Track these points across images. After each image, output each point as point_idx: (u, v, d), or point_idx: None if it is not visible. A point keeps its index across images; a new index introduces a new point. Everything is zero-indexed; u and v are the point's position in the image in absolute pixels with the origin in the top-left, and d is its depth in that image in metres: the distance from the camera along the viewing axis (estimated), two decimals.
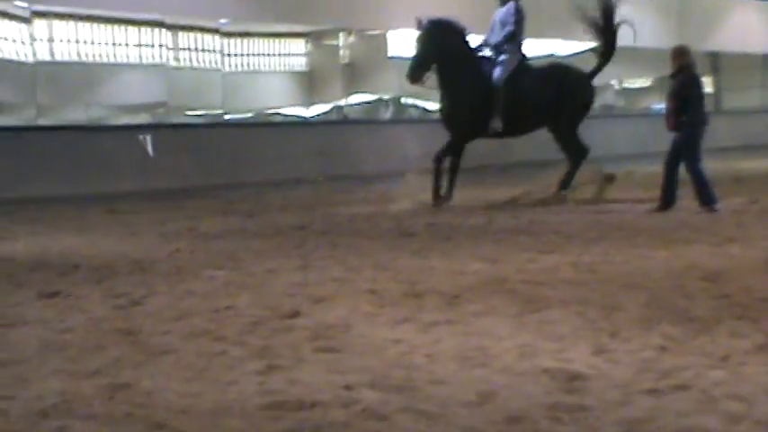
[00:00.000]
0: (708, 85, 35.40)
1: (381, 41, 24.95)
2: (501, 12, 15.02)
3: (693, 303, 6.91)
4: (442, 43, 14.54)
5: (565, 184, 15.06)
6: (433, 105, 25.98)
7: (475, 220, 12.80)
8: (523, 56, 15.14)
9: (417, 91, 25.66)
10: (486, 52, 15.07)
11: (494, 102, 14.70)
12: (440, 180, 14.70)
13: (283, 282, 8.26)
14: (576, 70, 15.82)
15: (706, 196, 12.91)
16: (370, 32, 24.90)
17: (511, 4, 14.95)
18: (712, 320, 6.37)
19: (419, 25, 14.63)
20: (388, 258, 9.47)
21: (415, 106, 25.98)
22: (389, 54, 24.90)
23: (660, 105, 33.47)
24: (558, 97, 15.03)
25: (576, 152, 15.22)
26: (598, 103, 31.41)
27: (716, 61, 35.37)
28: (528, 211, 13.70)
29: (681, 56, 13.18)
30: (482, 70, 14.85)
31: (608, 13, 15.52)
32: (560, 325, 6.38)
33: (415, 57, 14.69)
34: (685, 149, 12.98)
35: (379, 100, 25.56)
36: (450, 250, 9.99)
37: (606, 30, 15.55)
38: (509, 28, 14.84)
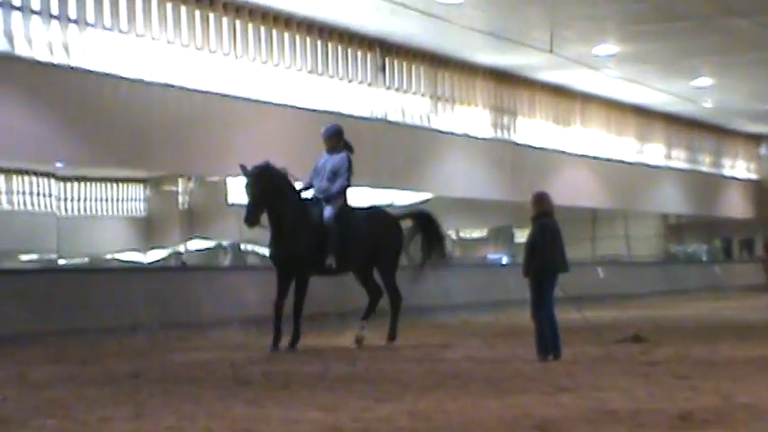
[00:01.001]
0: None
1: (221, 188, 25.00)
2: (331, 159, 15.67)
3: None
4: (271, 186, 15.08)
5: (391, 332, 16.05)
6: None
7: (312, 367, 12.78)
8: (346, 198, 15.78)
9: (257, 237, 25.83)
10: (310, 194, 15.69)
11: (327, 239, 15.21)
12: (281, 324, 14.98)
13: (115, 431, 8.07)
14: (390, 215, 16.84)
15: (541, 345, 13.17)
16: (210, 179, 24.97)
17: (344, 156, 15.60)
18: None
19: (244, 171, 15.11)
20: (223, 407, 9.36)
21: (255, 252, 25.98)
22: (229, 200, 24.95)
23: (495, 255, 34.31)
24: (375, 238, 15.88)
25: (393, 297, 16.26)
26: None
27: None
28: (365, 359, 13.75)
29: (539, 202, 13.53)
30: (312, 210, 15.41)
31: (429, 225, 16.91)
32: None
33: (249, 201, 15.12)
34: (534, 296, 13.27)
35: (219, 246, 25.50)
36: (287, 399, 9.94)
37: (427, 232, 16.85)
38: (343, 181, 15.51)
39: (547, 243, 13.28)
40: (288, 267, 15.32)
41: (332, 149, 15.77)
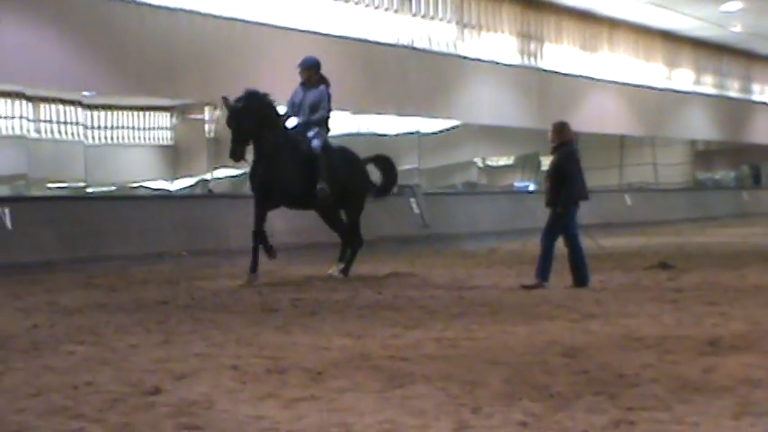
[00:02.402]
0: None
1: None
2: (310, 94, 15.05)
3: (554, 379, 7.01)
4: (255, 119, 14.48)
5: (344, 271, 15.39)
6: None
7: (339, 295, 12.81)
8: (327, 130, 15.41)
9: None
10: (293, 122, 15.23)
11: (317, 166, 14.85)
12: (259, 251, 14.74)
13: (145, 357, 8.13)
14: (360, 158, 16.15)
15: (540, 271, 13.19)
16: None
17: (323, 89, 15.09)
18: (572, 396, 6.47)
19: (227, 104, 14.55)
20: (252, 334, 9.41)
21: None
22: None
23: (522, 183, 34.26)
24: (349, 176, 15.44)
25: (354, 238, 15.61)
26: (463, 179, 32.15)
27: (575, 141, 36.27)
28: (393, 287, 13.78)
29: (561, 131, 13.42)
30: (300, 140, 14.98)
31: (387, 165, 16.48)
32: (423, 401, 6.40)
33: (233, 136, 14.56)
34: (555, 225, 13.22)
35: (245, 174, 25.53)
36: (315, 325, 9.98)
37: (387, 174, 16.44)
38: (323, 113, 15.06)
39: (575, 172, 13.21)
40: (271, 195, 14.80)
41: (307, 82, 15.11)
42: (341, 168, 15.30)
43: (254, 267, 14.57)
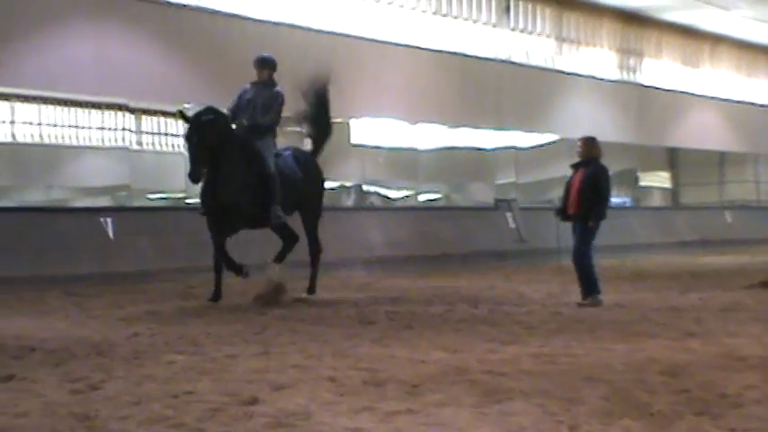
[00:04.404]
0: (666, 181, 35.91)
1: (344, 129, 25.10)
2: (261, 94, 13.98)
3: (654, 398, 6.91)
4: (214, 135, 13.33)
5: (311, 285, 14.79)
6: (396, 193, 26.21)
7: (435, 309, 12.80)
8: (275, 134, 14.37)
9: (378, 179, 25.93)
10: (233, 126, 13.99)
11: (271, 191, 13.84)
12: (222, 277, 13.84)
13: (243, 368, 8.20)
14: (314, 159, 15.15)
15: (592, 286, 13.08)
16: (333, 120, 25.04)
17: (278, 91, 14.05)
18: (673, 416, 6.37)
19: (184, 118, 13.45)
20: (349, 346, 9.44)
21: (377, 194, 26.09)
22: (352, 141, 25.06)
23: (619, 199, 33.91)
24: (305, 183, 14.57)
25: (313, 245, 15.00)
26: (559, 195, 31.93)
27: (674, 157, 35.87)
28: (489, 301, 13.73)
29: (592, 146, 13.37)
30: (254, 156, 13.81)
31: (321, 99, 15.19)
32: (521, 417, 6.35)
33: (191, 154, 13.33)
34: (589, 239, 13.15)
35: (342, 187, 25.64)
36: (411, 339, 9.98)
37: (319, 116, 15.20)
38: (274, 117, 14.02)
39: (610, 188, 13.18)
40: (225, 216, 13.64)
41: (260, 81, 14.06)
42: (296, 177, 14.34)
43: (216, 296, 13.65)
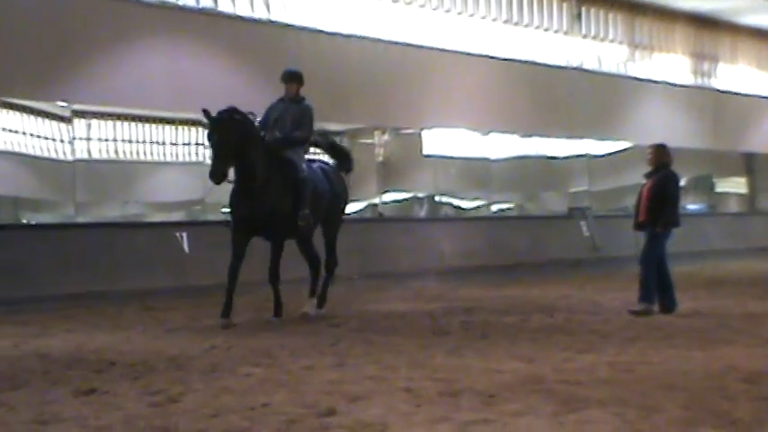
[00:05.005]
0: (743, 186, 35.46)
1: (416, 139, 25.14)
2: (290, 110, 13.64)
3: (734, 405, 6.83)
4: (238, 134, 12.90)
5: (320, 299, 14.28)
6: (468, 203, 26.18)
7: (510, 318, 12.76)
8: (307, 150, 14.11)
9: (451, 189, 25.92)
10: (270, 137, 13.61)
11: (302, 196, 13.39)
12: (234, 292, 13.06)
13: (319, 380, 8.23)
14: (339, 173, 14.82)
15: (646, 293, 12.92)
16: (405, 131, 25.11)
17: (308, 106, 13.72)
18: (755, 423, 6.29)
19: (207, 117, 12.94)
20: (424, 356, 9.44)
21: (450, 204, 26.09)
22: (424, 152, 25.09)
23: (695, 206, 33.56)
24: (333, 197, 14.27)
25: (330, 259, 14.53)
26: (623, 204, 31.67)
27: (751, 162, 35.43)
28: (564, 310, 13.66)
29: (662, 153, 13.28)
30: (285, 162, 13.43)
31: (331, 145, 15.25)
32: (598, 425, 6.31)
33: (213, 153, 12.99)
34: (656, 246, 13.04)
35: (414, 197, 25.67)
36: (486, 349, 9.95)
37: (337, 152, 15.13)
38: (306, 132, 13.63)
39: (679, 195, 13.07)
40: (258, 226, 13.34)
41: (288, 96, 13.77)
42: (324, 189, 14.00)
43: (227, 312, 12.82)
